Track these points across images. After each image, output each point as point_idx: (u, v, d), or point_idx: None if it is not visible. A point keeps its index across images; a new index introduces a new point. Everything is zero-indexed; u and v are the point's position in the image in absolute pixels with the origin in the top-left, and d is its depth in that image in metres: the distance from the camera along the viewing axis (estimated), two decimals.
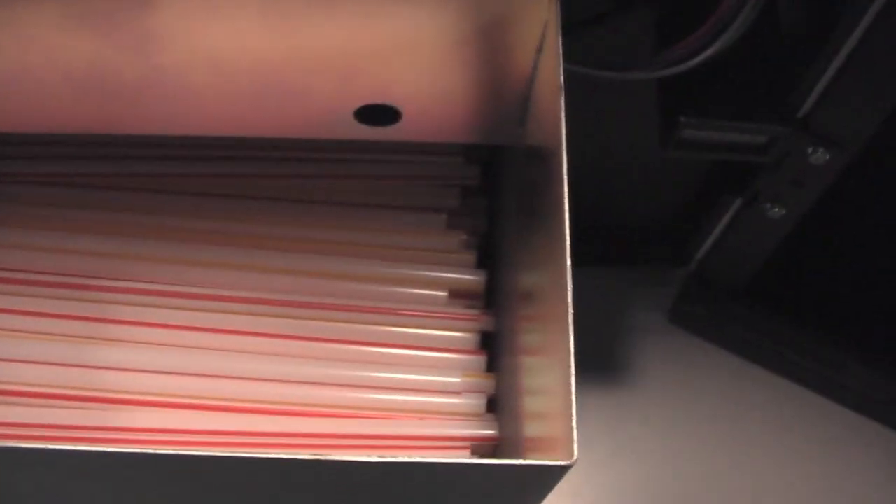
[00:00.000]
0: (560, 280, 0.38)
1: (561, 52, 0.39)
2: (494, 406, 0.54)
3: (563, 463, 0.35)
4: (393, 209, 0.55)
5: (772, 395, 0.67)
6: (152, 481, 0.39)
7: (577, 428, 0.35)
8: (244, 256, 0.55)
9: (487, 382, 0.53)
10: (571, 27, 0.40)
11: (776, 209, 0.55)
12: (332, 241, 0.55)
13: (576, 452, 0.35)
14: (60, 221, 0.55)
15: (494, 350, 0.55)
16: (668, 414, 0.67)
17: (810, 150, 0.50)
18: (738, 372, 0.68)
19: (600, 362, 0.67)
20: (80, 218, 0.56)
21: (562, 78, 0.39)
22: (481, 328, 0.54)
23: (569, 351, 0.36)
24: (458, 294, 0.55)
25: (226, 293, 0.54)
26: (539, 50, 0.42)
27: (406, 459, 0.35)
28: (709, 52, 0.40)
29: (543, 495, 0.40)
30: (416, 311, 0.54)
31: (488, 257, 0.57)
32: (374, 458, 0.34)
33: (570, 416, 0.35)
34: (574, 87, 0.40)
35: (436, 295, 0.55)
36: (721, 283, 0.64)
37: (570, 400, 0.35)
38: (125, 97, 0.46)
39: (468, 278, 0.55)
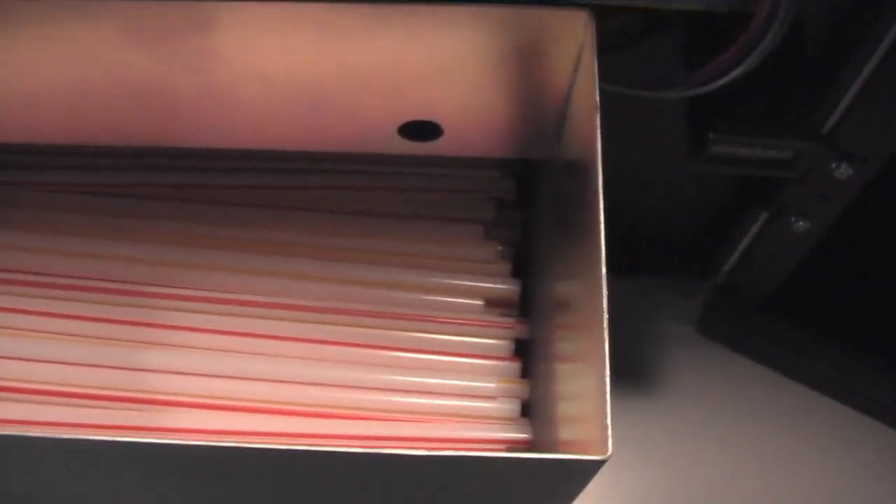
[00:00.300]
0: (595, 290, 0.40)
1: (597, 72, 0.41)
2: (529, 411, 0.56)
3: (597, 458, 0.37)
4: (431, 220, 0.57)
5: (798, 405, 0.69)
6: (192, 475, 0.42)
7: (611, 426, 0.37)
8: (287, 265, 0.57)
9: (522, 388, 0.55)
10: (607, 48, 0.42)
11: (801, 223, 0.57)
12: (371, 251, 0.57)
13: (610, 448, 0.37)
14: (105, 229, 0.58)
15: (529, 357, 0.57)
16: (696, 421, 0.68)
17: (834, 165, 0.52)
18: (765, 382, 0.69)
19: (629, 371, 0.69)
20: (125, 226, 0.58)
21: (598, 97, 0.41)
22: (516, 335, 0.56)
23: (604, 358, 0.38)
24: (493, 303, 0.57)
25: (268, 300, 0.56)
26: (576, 70, 0.44)
27: (451, 454, 0.37)
28: (737, 71, 0.42)
29: (577, 493, 0.42)
30: (453, 318, 0.56)
31: (523, 268, 0.59)
32: (422, 453, 0.36)
33: (605, 414, 0.37)
34: (607, 105, 0.42)
35: (472, 304, 0.57)
36: (748, 295, 0.66)
37: (605, 401, 0.37)
38: (180, 111, 0.48)
39: (503, 287, 0.57)
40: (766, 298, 0.66)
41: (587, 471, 0.38)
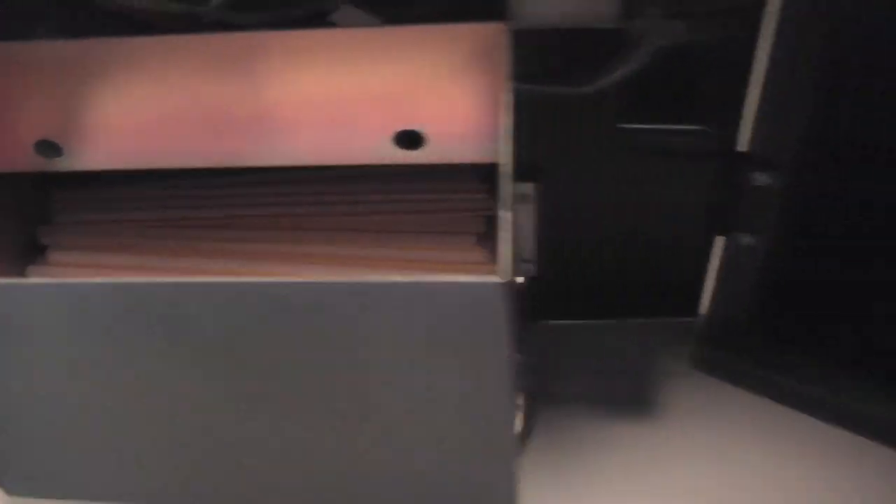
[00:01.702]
0: None
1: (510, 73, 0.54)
2: None
3: (492, 280, 0.47)
4: (426, 234, 0.68)
5: (794, 431, 0.73)
6: None
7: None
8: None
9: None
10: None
11: (746, 238, 0.66)
12: (368, 258, 0.67)
13: (509, 274, 0.47)
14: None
15: None
16: (694, 452, 0.74)
17: (753, 174, 0.62)
18: (760, 411, 0.74)
19: (628, 406, 0.77)
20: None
21: (509, 95, 0.54)
22: None
23: None
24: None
25: None
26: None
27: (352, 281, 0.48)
28: (617, 75, 0.54)
29: (497, 336, 0.51)
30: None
31: None
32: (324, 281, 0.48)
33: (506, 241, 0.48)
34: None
35: None
36: (731, 324, 0.74)
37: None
38: (241, 131, 0.60)
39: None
40: (754, 325, 0.73)
41: (488, 297, 0.48)
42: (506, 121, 0.52)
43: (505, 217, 0.49)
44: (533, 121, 0.65)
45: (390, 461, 0.58)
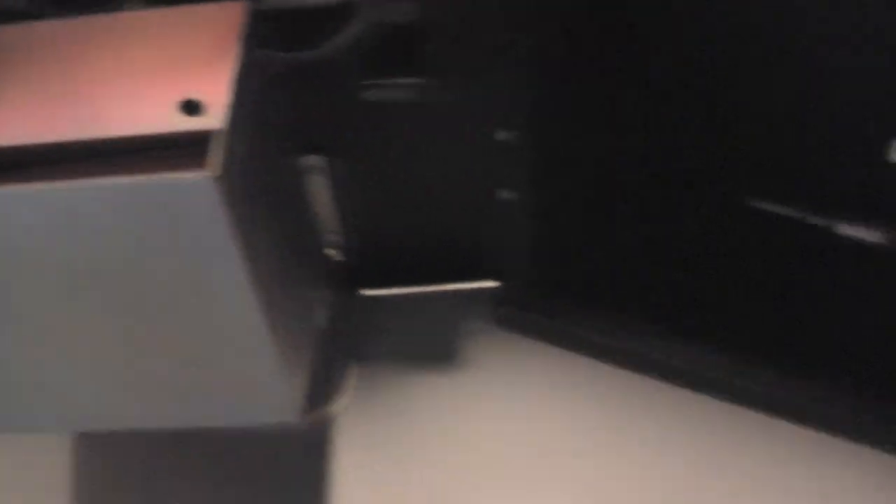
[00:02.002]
0: None
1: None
2: None
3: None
4: None
5: (585, 376, 0.80)
6: None
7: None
8: None
9: None
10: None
11: (505, 193, 0.74)
12: None
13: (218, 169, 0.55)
14: None
15: None
16: (495, 399, 0.82)
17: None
18: (556, 360, 0.81)
19: (437, 365, 0.84)
20: None
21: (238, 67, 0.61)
22: None
23: None
24: None
25: None
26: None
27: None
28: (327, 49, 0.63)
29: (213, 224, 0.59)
30: None
31: None
32: None
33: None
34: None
35: None
36: (525, 282, 0.80)
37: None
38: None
39: None
40: (546, 282, 0.80)
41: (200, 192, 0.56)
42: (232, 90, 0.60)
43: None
44: (318, 96, 0.72)
45: (166, 369, 0.65)
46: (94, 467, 0.88)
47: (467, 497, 0.79)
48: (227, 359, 0.64)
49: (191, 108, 0.64)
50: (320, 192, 0.78)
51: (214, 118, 0.61)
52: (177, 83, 0.64)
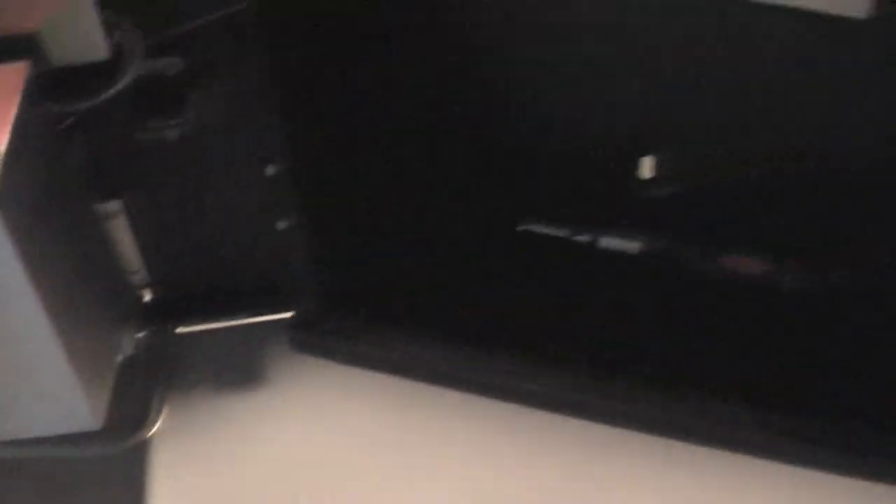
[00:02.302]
0: None
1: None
2: None
3: None
4: None
5: (375, 389, 0.88)
6: None
7: None
8: None
9: None
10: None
11: (282, 224, 0.84)
12: None
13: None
14: None
15: None
16: (294, 416, 0.89)
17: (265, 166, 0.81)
18: (349, 378, 0.89)
19: (242, 391, 0.91)
20: None
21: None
22: None
23: None
24: None
25: None
26: None
27: None
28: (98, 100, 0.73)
29: None
30: None
31: None
32: None
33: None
34: None
35: None
36: (318, 306, 0.88)
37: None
38: None
39: None
40: (338, 304, 0.87)
41: None
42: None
43: None
44: (106, 144, 0.82)
45: None
46: None
47: None
48: (22, 371, 0.72)
49: None
50: (123, 236, 0.87)
51: None
52: None
